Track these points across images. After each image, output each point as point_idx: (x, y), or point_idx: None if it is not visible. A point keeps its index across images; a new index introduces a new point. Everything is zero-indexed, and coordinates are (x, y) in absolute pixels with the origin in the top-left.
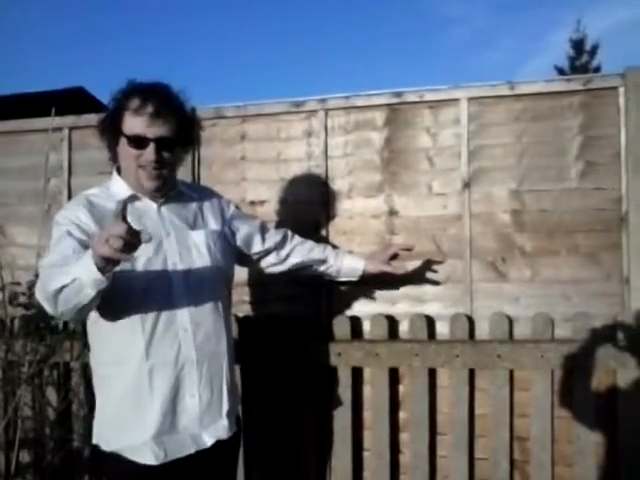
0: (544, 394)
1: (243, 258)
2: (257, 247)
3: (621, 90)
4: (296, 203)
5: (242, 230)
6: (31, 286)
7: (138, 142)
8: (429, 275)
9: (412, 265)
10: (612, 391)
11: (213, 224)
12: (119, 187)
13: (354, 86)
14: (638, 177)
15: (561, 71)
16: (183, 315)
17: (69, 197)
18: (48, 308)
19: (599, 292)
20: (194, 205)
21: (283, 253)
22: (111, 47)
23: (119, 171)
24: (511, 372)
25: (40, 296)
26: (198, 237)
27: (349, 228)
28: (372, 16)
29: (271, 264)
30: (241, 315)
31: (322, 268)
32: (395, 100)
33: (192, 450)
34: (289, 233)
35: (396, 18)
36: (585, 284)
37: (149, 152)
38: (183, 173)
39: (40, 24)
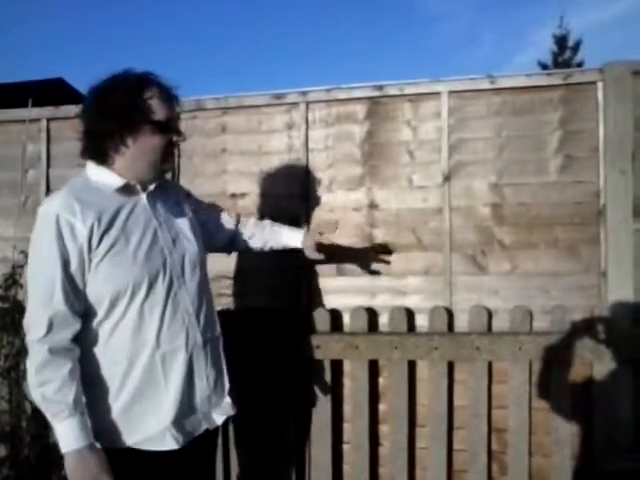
0: (522, 386)
1: (209, 242)
2: (221, 232)
3: (600, 85)
4: (277, 196)
5: (209, 216)
6: (7, 279)
7: (171, 126)
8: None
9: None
10: (589, 383)
11: (188, 211)
12: (108, 177)
13: (335, 80)
14: (616, 171)
15: (545, 67)
16: (185, 300)
17: (47, 189)
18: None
19: (577, 285)
20: (172, 194)
21: (235, 234)
22: (92, 40)
23: (101, 162)
24: (490, 364)
25: (29, 339)
26: (183, 224)
27: (330, 221)
28: (356, 13)
29: (225, 245)
30: (220, 308)
31: (263, 241)
32: (376, 93)
33: (205, 427)
34: (232, 214)
35: (380, 15)
36: (563, 277)
37: (178, 134)
38: None
39: (26, 18)
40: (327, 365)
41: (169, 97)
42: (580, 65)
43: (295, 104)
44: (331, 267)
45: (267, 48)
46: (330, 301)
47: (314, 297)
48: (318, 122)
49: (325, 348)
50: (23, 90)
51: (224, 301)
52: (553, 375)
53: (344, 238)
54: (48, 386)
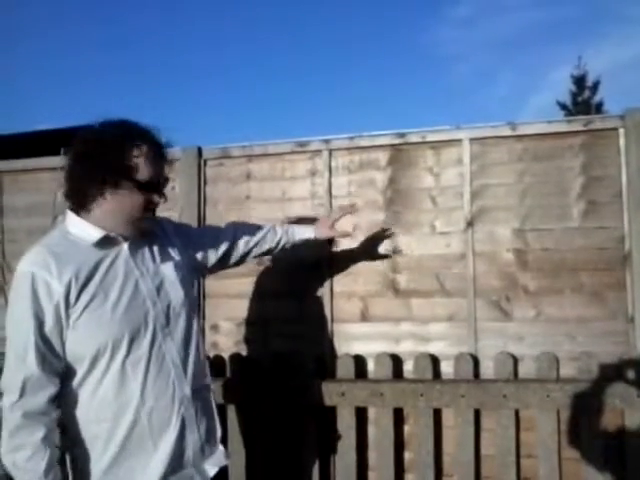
0: (550, 434)
1: (205, 271)
2: (212, 258)
3: (621, 131)
4: (300, 242)
5: (198, 247)
6: None
7: (152, 187)
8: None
9: (356, 232)
10: (620, 431)
11: (176, 254)
12: (87, 229)
13: (357, 123)
14: None
15: (564, 106)
16: (171, 351)
17: None
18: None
19: (604, 331)
20: (157, 238)
21: (239, 250)
22: (122, 84)
23: (76, 212)
24: (517, 412)
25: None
26: (168, 270)
27: (353, 267)
28: (373, 56)
29: (231, 263)
30: (243, 354)
31: (274, 244)
32: (398, 141)
33: None
34: (237, 227)
35: (396, 57)
36: (590, 323)
37: (159, 196)
38: (189, 212)
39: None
40: (352, 412)
41: (157, 156)
42: (599, 105)
43: (318, 151)
44: (355, 313)
45: (289, 96)
46: (354, 347)
47: (337, 343)
48: (341, 169)
49: (350, 395)
50: (55, 137)
51: (246, 347)
52: (583, 423)
53: (368, 285)
54: (20, 453)
